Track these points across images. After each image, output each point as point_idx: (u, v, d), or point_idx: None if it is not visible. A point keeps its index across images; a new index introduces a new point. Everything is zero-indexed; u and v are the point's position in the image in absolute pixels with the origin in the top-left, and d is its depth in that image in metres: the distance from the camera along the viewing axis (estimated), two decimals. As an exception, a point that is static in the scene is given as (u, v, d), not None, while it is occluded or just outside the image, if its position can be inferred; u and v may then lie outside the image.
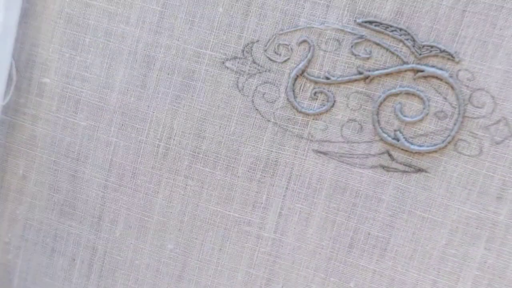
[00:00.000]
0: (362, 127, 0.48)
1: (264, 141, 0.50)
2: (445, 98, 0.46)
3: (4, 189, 0.57)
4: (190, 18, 0.50)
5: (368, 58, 0.47)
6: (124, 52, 0.52)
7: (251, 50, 0.49)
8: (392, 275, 0.49)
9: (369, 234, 0.49)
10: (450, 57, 0.45)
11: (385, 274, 0.49)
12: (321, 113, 0.48)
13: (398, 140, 0.47)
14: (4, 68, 0.53)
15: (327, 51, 0.47)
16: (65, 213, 0.56)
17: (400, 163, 0.47)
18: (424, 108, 0.46)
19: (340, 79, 0.47)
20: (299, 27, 0.48)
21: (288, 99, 0.48)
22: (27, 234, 0.57)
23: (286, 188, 0.50)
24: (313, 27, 0.47)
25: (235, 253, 0.52)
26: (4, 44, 0.53)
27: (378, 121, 0.47)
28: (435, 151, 0.47)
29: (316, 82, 0.48)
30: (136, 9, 0.51)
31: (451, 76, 0.45)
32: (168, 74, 0.51)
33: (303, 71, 0.48)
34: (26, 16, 0.53)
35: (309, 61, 0.48)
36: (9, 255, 0.58)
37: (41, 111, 0.55)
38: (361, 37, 0.46)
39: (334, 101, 0.48)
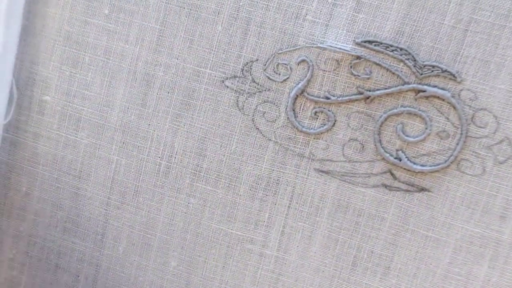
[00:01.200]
0: (363, 146, 0.47)
1: (265, 160, 0.49)
2: (447, 118, 0.45)
3: (7, 206, 0.57)
4: (189, 37, 0.49)
5: (368, 78, 0.46)
6: (124, 70, 0.51)
7: (251, 69, 0.48)
8: (396, 293, 0.49)
9: (372, 252, 0.49)
10: (452, 77, 0.45)
11: (389, 293, 0.49)
12: (322, 133, 0.48)
13: (400, 159, 0.46)
14: (5, 86, 0.53)
15: (326, 71, 0.47)
16: (68, 230, 0.56)
17: (403, 183, 0.47)
18: (426, 128, 0.46)
19: (340, 99, 0.47)
20: (298, 47, 0.47)
21: (288, 118, 0.48)
22: (31, 251, 0.57)
23: (289, 206, 0.50)
24: (312, 47, 0.47)
25: (238, 270, 0.52)
26: (5, 63, 0.53)
27: (380, 141, 0.47)
28: (438, 171, 0.46)
29: (316, 102, 0.47)
30: (135, 27, 0.50)
31: (453, 96, 0.45)
32: (168, 92, 0.51)
33: (302, 91, 0.47)
34: (25, 34, 0.53)
35: (309, 81, 0.47)
36: (13, 271, 0.58)
37: (42, 128, 0.54)
38: (360, 57, 0.46)
39: (335, 120, 0.47)
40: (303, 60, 0.47)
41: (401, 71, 0.45)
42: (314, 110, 0.47)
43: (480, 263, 0.47)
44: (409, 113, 0.46)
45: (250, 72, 0.49)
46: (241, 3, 0.48)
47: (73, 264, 0.56)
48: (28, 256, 0.58)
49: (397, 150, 0.47)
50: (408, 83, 0.45)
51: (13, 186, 0.57)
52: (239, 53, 0.49)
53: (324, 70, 0.47)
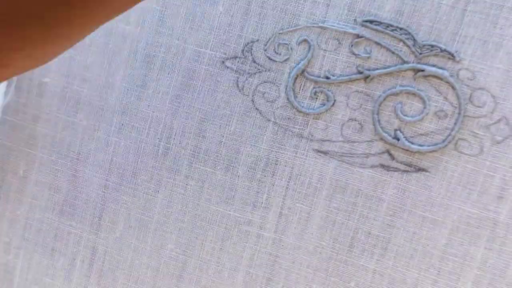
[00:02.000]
0: (362, 126, 0.48)
1: (264, 140, 0.50)
2: (445, 98, 0.46)
3: (4, 189, 0.57)
4: (190, 18, 0.50)
5: (368, 58, 0.46)
6: (124, 51, 0.52)
7: (251, 49, 0.49)
8: (393, 274, 0.49)
9: (369, 233, 0.49)
10: (451, 56, 0.45)
11: (386, 274, 0.49)
12: (321, 113, 0.48)
13: (398, 139, 0.47)
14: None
15: (327, 51, 0.47)
16: (65, 213, 0.56)
17: (401, 163, 0.47)
18: (424, 108, 0.46)
19: (340, 78, 0.47)
20: (299, 26, 0.48)
21: (288, 98, 0.48)
22: (28, 234, 0.57)
23: (287, 187, 0.50)
24: (313, 27, 0.47)
25: (236, 252, 0.52)
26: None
27: (379, 121, 0.47)
28: (436, 151, 0.46)
29: (316, 82, 0.48)
30: (136, 8, 0.51)
31: (451, 76, 0.45)
32: (168, 73, 0.51)
33: (303, 71, 0.48)
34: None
35: (309, 61, 0.47)
36: (9, 255, 0.58)
37: (41, 111, 0.55)
38: (361, 36, 0.46)
39: (334, 100, 0.48)
40: (304, 40, 0.47)
41: (401, 51, 0.46)
42: (314, 90, 0.48)
43: (477, 244, 0.47)
44: (408, 93, 0.46)
45: (251, 53, 0.49)
46: (242, -15, 0.49)
47: (69, 248, 0.56)
48: (24, 240, 0.57)
49: (395, 130, 0.47)
50: (407, 62, 0.46)
51: (11, 169, 0.57)
52: (240, 33, 0.49)
53: (325, 50, 0.47)
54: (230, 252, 0.52)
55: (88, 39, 0.52)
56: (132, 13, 0.51)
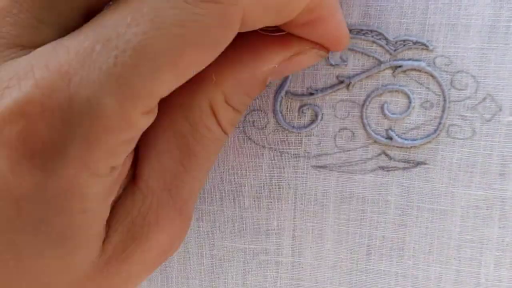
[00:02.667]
0: (354, 133, 0.48)
1: (263, 168, 0.50)
2: (427, 88, 0.46)
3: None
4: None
5: (345, 66, 0.47)
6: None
7: (233, 82, 0.50)
8: (415, 273, 0.49)
9: (383, 237, 0.49)
10: (424, 46, 0.46)
11: (408, 274, 0.49)
12: (312, 129, 0.49)
13: (391, 138, 0.47)
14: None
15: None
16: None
17: (399, 161, 0.48)
18: (410, 102, 0.47)
19: (323, 92, 0.48)
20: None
21: (278, 122, 0.49)
22: None
23: (294, 209, 0.50)
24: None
25: (259, 284, 0.52)
26: None
27: (369, 124, 0.48)
28: (430, 142, 0.47)
29: (301, 100, 0.48)
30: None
31: (428, 65, 0.46)
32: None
33: (287, 92, 0.48)
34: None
35: (290, 81, 0.48)
36: None
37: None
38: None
39: (322, 114, 0.48)
40: (280, 62, 0.48)
41: (375, 52, 0.47)
42: (301, 109, 0.48)
43: (490, 225, 0.47)
44: (391, 91, 0.47)
45: (233, 85, 0.50)
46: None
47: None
48: None
49: (386, 130, 0.47)
50: (384, 62, 0.47)
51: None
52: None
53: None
54: (254, 285, 0.52)
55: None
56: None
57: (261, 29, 0.39)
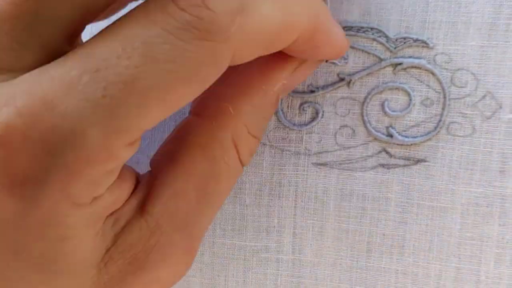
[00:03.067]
0: (354, 131, 0.48)
1: (264, 165, 0.50)
2: (428, 85, 0.46)
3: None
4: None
5: (346, 63, 0.47)
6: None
7: (234, 79, 0.50)
8: (415, 270, 0.49)
9: (384, 235, 0.49)
10: (424, 44, 0.46)
11: (408, 271, 0.49)
12: (312, 126, 0.49)
13: (391, 136, 0.47)
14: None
15: (305, 65, 0.48)
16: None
17: (399, 158, 0.48)
18: (410, 100, 0.47)
19: (324, 89, 0.48)
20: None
21: (279, 119, 0.49)
22: None
23: (295, 207, 0.50)
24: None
25: (259, 282, 0.52)
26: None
27: (369, 122, 0.48)
28: (430, 139, 0.47)
29: (302, 98, 0.48)
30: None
31: (429, 63, 0.46)
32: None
33: (287, 89, 0.49)
34: None
35: (291, 78, 0.48)
36: None
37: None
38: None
39: (323, 111, 0.48)
40: (281, 59, 0.49)
41: (376, 49, 0.47)
42: (301, 106, 0.49)
43: (490, 222, 0.47)
44: (391, 88, 0.47)
45: (234, 83, 0.50)
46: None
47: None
48: None
49: (387, 127, 0.48)
50: (384, 59, 0.47)
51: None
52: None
53: (303, 64, 0.48)
54: (254, 283, 0.52)
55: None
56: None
57: None
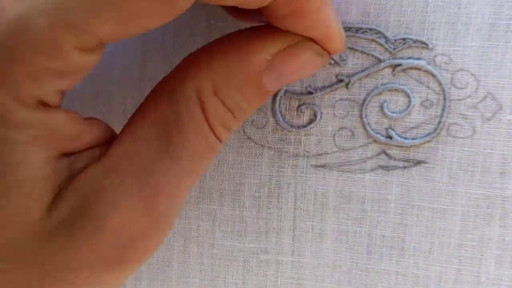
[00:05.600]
0: (353, 132, 0.48)
1: (263, 167, 0.50)
2: (428, 87, 0.46)
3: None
4: (170, 58, 0.50)
5: (345, 64, 0.47)
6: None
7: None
8: (415, 272, 0.49)
9: (383, 236, 0.49)
10: (424, 45, 0.46)
11: (408, 273, 0.49)
12: (311, 128, 0.48)
13: (391, 137, 0.47)
14: None
15: (304, 66, 0.48)
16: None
17: (399, 160, 0.48)
18: (410, 101, 0.46)
19: (322, 91, 0.48)
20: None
21: (277, 121, 0.49)
22: None
23: (294, 208, 0.50)
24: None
25: (258, 283, 0.52)
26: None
27: (368, 123, 0.47)
28: (430, 141, 0.47)
29: (300, 99, 0.48)
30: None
31: (429, 64, 0.46)
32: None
33: (286, 91, 0.48)
34: None
35: (289, 80, 0.48)
36: None
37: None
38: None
39: (321, 113, 0.48)
40: (279, 61, 0.48)
41: (375, 50, 0.46)
42: (300, 108, 0.48)
43: (490, 224, 0.47)
44: (390, 90, 0.47)
45: (232, 84, 0.50)
46: (212, 22, 0.49)
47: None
48: None
49: (386, 129, 0.47)
50: (383, 60, 0.46)
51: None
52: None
53: (301, 66, 0.48)
54: (254, 284, 0.52)
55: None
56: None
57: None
